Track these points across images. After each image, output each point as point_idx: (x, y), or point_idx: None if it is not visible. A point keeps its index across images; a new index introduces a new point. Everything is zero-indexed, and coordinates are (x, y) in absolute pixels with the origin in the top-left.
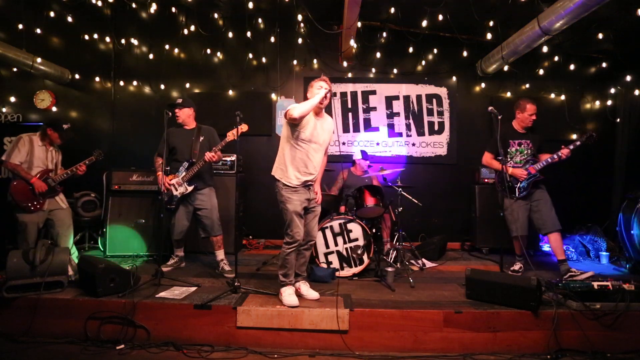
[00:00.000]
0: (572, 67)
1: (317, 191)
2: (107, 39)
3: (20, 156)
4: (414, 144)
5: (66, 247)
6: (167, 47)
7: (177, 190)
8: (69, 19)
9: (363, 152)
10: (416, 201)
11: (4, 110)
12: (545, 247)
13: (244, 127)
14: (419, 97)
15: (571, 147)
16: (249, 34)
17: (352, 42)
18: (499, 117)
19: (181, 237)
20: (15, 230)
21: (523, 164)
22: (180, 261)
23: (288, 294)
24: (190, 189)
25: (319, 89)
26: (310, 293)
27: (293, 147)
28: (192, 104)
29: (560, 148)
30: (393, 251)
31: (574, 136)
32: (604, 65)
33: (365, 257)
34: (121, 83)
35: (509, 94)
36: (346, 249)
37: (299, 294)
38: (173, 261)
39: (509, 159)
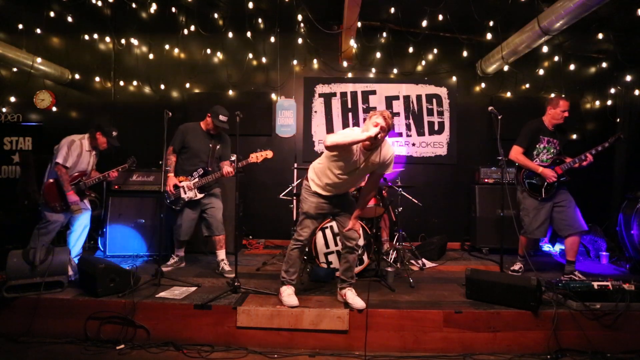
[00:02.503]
0: (572, 67)
1: (353, 224)
2: (107, 39)
3: (72, 160)
4: (414, 144)
5: (66, 247)
6: (167, 47)
7: (185, 193)
8: (69, 19)
9: None
10: (416, 201)
11: (4, 110)
12: (546, 247)
13: (268, 154)
14: (419, 97)
15: (593, 152)
16: (249, 34)
17: (352, 42)
18: (499, 117)
19: (187, 238)
20: (34, 226)
21: (550, 164)
22: (180, 261)
23: (287, 294)
24: (200, 196)
25: (375, 126)
26: (357, 301)
27: (327, 163)
28: None
29: (582, 152)
30: (393, 251)
31: (575, 136)
32: (604, 65)
33: (365, 257)
34: (121, 83)
35: (509, 94)
36: None
37: (344, 301)
38: (173, 261)
39: (535, 156)
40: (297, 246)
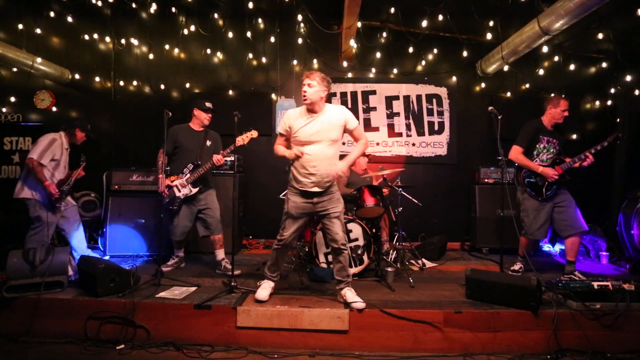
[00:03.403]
0: (572, 67)
1: (343, 171)
2: (107, 39)
3: (50, 157)
4: (414, 144)
5: (66, 247)
6: (167, 47)
7: (180, 191)
8: (69, 19)
9: None
10: (416, 201)
11: (4, 110)
12: (546, 247)
13: (254, 134)
14: (419, 97)
15: (593, 151)
16: (249, 34)
17: (352, 42)
18: (499, 117)
19: (183, 238)
20: (28, 229)
21: (550, 163)
22: (180, 261)
23: (261, 287)
24: (194, 190)
25: (303, 86)
26: (357, 301)
27: (293, 148)
28: None
29: (581, 151)
30: (393, 251)
31: (575, 136)
32: (604, 65)
33: (365, 257)
34: (121, 83)
35: (509, 94)
36: None
37: (344, 301)
38: (173, 261)
39: (535, 156)
40: (277, 247)
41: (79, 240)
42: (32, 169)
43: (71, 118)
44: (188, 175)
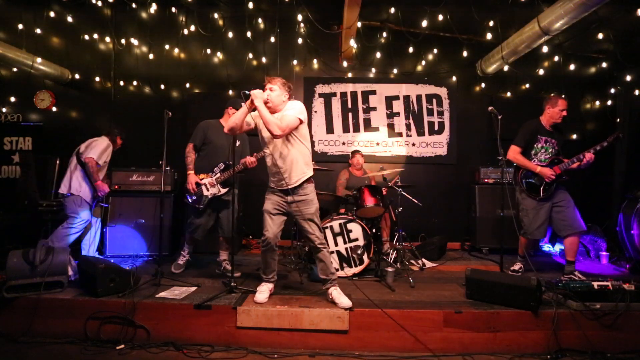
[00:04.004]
0: (572, 67)
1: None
2: (107, 39)
3: (103, 160)
4: (414, 144)
5: (66, 247)
6: (167, 47)
7: (208, 190)
8: (69, 19)
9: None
10: (416, 201)
11: (4, 110)
12: (546, 247)
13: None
14: (419, 97)
15: (592, 150)
16: (249, 34)
17: (352, 42)
18: (499, 117)
19: (201, 237)
20: (34, 226)
21: (548, 163)
22: (188, 260)
23: (259, 291)
24: (223, 191)
25: (264, 91)
26: (343, 300)
27: (263, 148)
28: None
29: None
30: (393, 251)
31: (574, 136)
32: (604, 65)
33: (365, 257)
34: (121, 83)
35: (509, 94)
36: (346, 249)
37: (332, 301)
38: (184, 260)
39: (533, 155)
40: (264, 247)
41: (91, 243)
42: (91, 168)
43: (111, 125)
44: (218, 174)
